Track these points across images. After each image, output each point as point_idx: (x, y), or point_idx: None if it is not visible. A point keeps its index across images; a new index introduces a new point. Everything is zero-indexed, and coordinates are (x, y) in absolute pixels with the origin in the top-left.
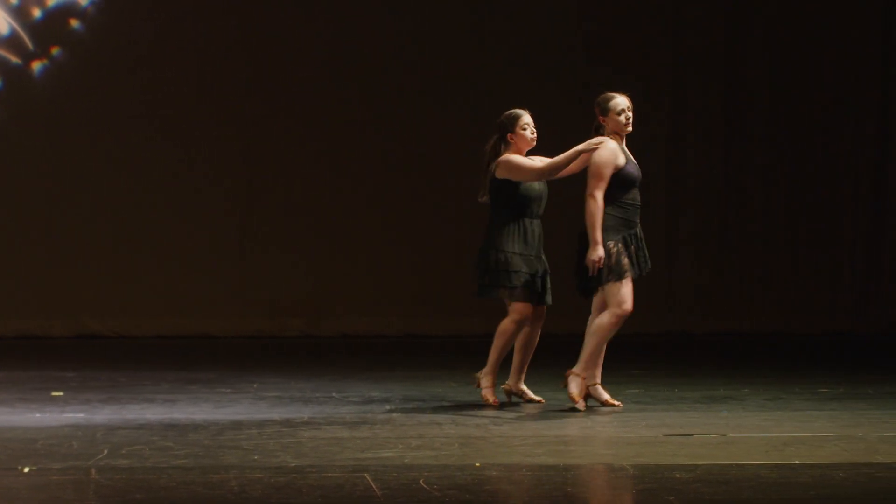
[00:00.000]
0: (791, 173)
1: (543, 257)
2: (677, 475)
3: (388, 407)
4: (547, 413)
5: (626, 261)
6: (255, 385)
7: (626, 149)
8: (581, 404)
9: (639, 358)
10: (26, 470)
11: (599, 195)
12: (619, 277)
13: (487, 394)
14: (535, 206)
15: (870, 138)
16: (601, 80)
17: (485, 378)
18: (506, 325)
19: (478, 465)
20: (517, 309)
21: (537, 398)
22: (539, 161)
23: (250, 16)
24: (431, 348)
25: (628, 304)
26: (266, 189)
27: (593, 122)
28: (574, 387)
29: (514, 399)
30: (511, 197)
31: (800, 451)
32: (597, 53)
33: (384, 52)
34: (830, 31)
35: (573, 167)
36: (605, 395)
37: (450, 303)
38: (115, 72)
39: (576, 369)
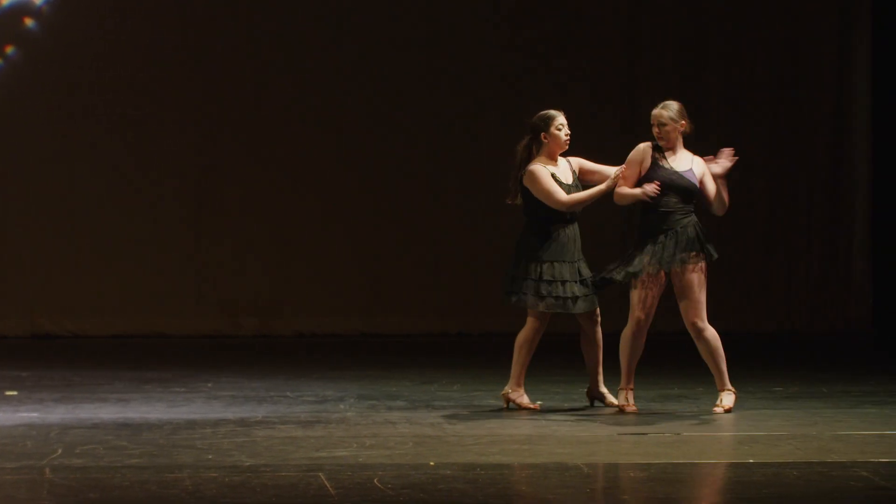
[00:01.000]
0: (745, 176)
1: (582, 263)
2: (631, 474)
3: (342, 406)
4: (501, 412)
5: (639, 264)
6: (209, 384)
7: (665, 155)
8: (631, 408)
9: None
10: None
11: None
12: (628, 279)
13: (522, 401)
14: (567, 212)
15: (826, 142)
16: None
17: (512, 392)
18: (524, 334)
19: (432, 464)
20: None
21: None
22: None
23: (206, 15)
24: (386, 347)
25: (637, 311)
26: (220, 188)
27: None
28: (621, 399)
29: (597, 404)
30: (542, 203)
31: (754, 449)
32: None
33: (356, 49)
34: (788, 37)
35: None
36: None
37: (405, 302)
38: (69, 70)
39: (622, 384)
